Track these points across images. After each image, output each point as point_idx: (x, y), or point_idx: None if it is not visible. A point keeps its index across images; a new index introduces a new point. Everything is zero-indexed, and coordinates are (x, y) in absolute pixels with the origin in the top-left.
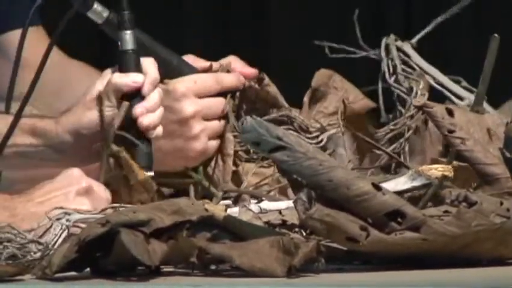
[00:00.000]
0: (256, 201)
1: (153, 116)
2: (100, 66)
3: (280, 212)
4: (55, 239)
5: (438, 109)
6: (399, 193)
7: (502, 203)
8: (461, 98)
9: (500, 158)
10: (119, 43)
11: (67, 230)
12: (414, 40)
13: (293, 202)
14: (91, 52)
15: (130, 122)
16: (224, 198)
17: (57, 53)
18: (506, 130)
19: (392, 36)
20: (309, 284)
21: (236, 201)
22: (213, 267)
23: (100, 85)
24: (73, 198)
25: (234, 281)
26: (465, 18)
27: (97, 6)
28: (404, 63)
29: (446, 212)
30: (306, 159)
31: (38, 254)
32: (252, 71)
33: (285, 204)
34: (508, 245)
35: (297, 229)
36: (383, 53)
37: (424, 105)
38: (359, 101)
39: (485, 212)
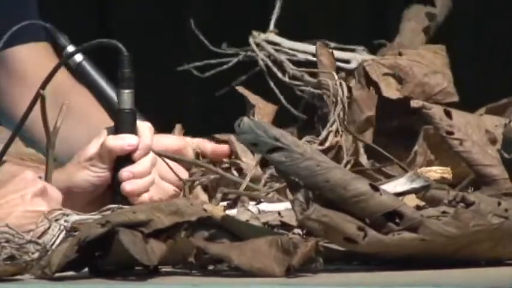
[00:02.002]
0: (254, 202)
1: (139, 183)
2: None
3: (279, 212)
4: (53, 240)
5: (436, 111)
6: (398, 195)
7: (499, 204)
8: (347, 62)
9: (499, 159)
10: (116, 102)
11: (64, 231)
12: (272, 27)
13: (290, 203)
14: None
15: (118, 185)
16: (223, 200)
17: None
18: (505, 131)
19: (255, 33)
20: (307, 284)
21: (235, 203)
22: (211, 267)
23: (95, 145)
24: (30, 199)
25: (232, 281)
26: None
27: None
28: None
29: (444, 212)
30: (304, 160)
31: (36, 254)
32: (223, 149)
33: (283, 205)
34: (506, 246)
35: (295, 230)
36: (259, 52)
37: (422, 106)
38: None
39: (483, 212)
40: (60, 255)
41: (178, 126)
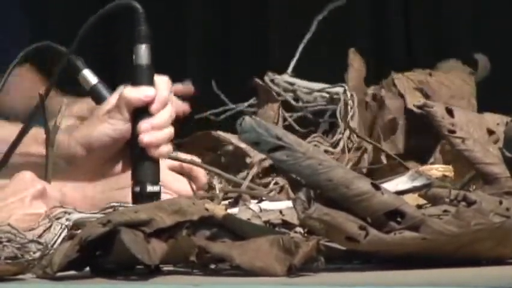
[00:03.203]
0: (256, 201)
1: (157, 135)
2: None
3: (280, 211)
4: (55, 239)
5: (438, 109)
6: (400, 193)
7: (501, 202)
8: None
9: (500, 158)
10: (133, 57)
11: (66, 230)
12: (290, 70)
13: (292, 201)
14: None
15: (136, 138)
16: (225, 199)
17: None
18: (506, 129)
19: (270, 74)
20: (309, 283)
21: (236, 201)
22: (212, 266)
23: (113, 99)
24: (29, 202)
25: (233, 280)
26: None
27: (86, 73)
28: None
29: (445, 211)
30: (306, 158)
31: (38, 254)
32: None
33: (285, 204)
34: (508, 245)
35: (297, 228)
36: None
37: (424, 105)
38: None
39: (485, 211)
40: (62, 255)
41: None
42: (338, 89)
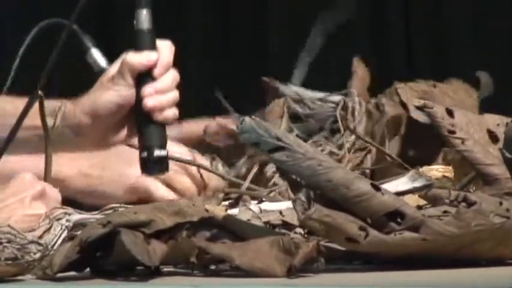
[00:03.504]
0: (256, 201)
1: (161, 98)
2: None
3: (280, 212)
4: (55, 240)
5: (438, 110)
6: (400, 194)
7: (501, 203)
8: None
9: (500, 158)
10: (134, 22)
11: (66, 231)
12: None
13: (292, 202)
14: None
15: (141, 102)
16: (225, 200)
17: None
18: (506, 130)
19: (277, 83)
20: (309, 284)
21: (237, 202)
22: (212, 267)
23: (116, 66)
24: (29, 203)
25: (233, 281)
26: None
27: (95, 52)
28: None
29: (445, 212)
30: (306, 159)
31: (38, 255)
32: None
33: (285, 204)
34: (508, 245)
35: (297, 229)
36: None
37: (424, 105)
38: None
39: (485, 212)
40: (62, 256)
41: None
42: (339, 97)
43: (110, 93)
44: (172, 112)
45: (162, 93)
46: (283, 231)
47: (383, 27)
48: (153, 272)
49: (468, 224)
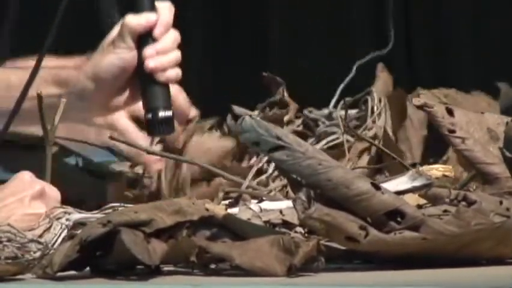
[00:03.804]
0: (256, 201)
1: (163, 59)
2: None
3: (280, 211)
4: (55, 239)
5: (438, 109)
6: (400, 193)
7: (501, 202)
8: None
9: (500, 158)
10: None
11: (66, 230)
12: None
13: (292, 201)
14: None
15: (143, 64)
16: (225, 199)
17: None
18: (507, 129)
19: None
20: (309, 284)
21: (237, 201)
22: (212, 266)
23: (116, 29)
24: (28, 203)
25: (233, 280)
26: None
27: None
28: None
29: (445, 211)
30: (306, 158)
31: (38, 254)
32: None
33: (285, 203)
34: (508, 244)
35: (297, 228)
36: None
37: (424, 104)
38: None
39: (485, 211)
40: (62, 255)
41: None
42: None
43: (111, 56)
44: (175, 72)
45: (163, 54)
46: (283, 230)
47: (383, 27)
48: (153, 271)
49: (468, 223)
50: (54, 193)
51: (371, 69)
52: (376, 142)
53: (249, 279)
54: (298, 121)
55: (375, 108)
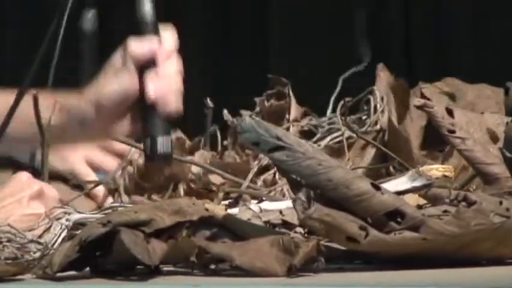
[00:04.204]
0: (256, 201)
1: (163, 87)
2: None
3: (280, 211)
4: (55, 239)
5: (438, 109)
6: (400, 193)
7: (501, 203)
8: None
9: (500, 158)
10: (136, 9)
11: (66, 230)
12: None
13: (292, 202)
14: None
15: (144, 92)
16: (225, 199)
17: None
18: (506, 130)
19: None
20: (309, 284)
21: (237, 202)
22: (212, 266)
23: (118, 55)
24: (27, 203)
25: (233, 281)
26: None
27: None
28: None
29: (445, 211)
30: (306, 159)
31: (38, 254)
32: None
33: (285, 203)
34: (508, 245)
35: (297, 229)
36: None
37: (424, 105)
38: None
39: (485, 211)
40: (62, 255)
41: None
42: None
43: (113, 83)
44: (175, 100)
45: (165, 82)
46: (283, 230)
47: (383, 27)
48: (153, 271)
49: (468, 223)
50: (52, 193)
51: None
52: (380, 135)
53: (249, 280)
54: (304, 121)
55: (378, 106)
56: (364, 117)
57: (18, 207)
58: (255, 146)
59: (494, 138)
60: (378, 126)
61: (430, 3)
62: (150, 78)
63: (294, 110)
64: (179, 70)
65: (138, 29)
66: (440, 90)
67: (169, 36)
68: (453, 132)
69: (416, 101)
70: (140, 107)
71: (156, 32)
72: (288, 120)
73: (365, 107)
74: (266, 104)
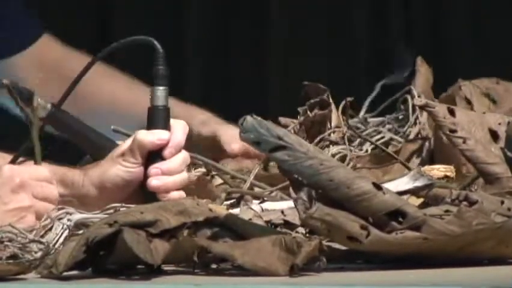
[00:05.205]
0: (258, 201)
1: (168, 179)
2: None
3: (282, 211)
4: (56, 239)
5: (440, 109)
6: (401, 193)
7: (503, 202)
8: None
9: (502, 157)
10: (149, 98)
11: (67, 230)
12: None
13: (293, 202)
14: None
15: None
16: (227, 199)
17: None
18: (508, 129)
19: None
20: (311, 283)
21: (238, 202)
22: (214, 266)
23: (128, 141)
24: (10, 198)
25: (235, 280)
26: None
27: (39, 100)
28: None
29: (447, 211)
30: (307, 158)
31: (39, 254)
32: None
33: (286, 203)
34: (509, 244)
35: (298, 228)
36: None
37: (426, 104)
38: None
39: (486, 211)
40: (67, 255)
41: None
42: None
43: (118, 168)
44: (178, 194)
45: (169, 174)
46: (285, 230)
47: (383, 27)
48: (155, 271)
49: (469, 223)
50: (43, 174)
51: None
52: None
53: (251, 279)
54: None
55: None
56: (400, 117)
57: (1, 204)
58: (256, 145)
59: (495, 138)
60: (417, 128)
61: (430, 2)
62: (153, 169)
63: (336, 117)
64: (186, 163)
65: (150, 117)
66: (480, 91)
67: (179, 128)
68: (454, 131)
69: (418, 101)
70: (143, 195)
71: (167, 122)
72: (330, 127)
73: (402, 107)
74: (309, 113)
